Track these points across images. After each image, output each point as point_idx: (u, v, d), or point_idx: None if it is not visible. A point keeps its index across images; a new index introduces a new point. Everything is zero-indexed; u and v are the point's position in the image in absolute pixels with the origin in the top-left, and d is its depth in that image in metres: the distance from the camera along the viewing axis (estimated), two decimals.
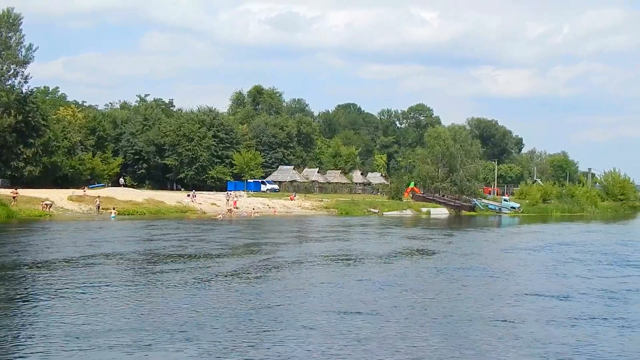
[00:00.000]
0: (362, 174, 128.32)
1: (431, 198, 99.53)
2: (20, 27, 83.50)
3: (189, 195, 76.66)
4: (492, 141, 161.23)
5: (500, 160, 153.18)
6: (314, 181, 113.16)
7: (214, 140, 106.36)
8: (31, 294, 22.02)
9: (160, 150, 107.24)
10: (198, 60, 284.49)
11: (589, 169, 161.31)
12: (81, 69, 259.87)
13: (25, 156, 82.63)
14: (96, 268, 28.23)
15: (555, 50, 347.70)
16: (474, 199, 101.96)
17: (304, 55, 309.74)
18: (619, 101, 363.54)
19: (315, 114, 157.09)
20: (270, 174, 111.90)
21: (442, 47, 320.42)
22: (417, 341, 17.12)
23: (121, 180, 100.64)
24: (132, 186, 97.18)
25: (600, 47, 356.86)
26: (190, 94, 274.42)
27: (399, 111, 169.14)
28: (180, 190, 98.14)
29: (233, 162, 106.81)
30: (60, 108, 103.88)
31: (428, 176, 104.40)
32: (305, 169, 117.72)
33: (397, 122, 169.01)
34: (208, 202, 76.02)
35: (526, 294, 24.61)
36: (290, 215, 74.36)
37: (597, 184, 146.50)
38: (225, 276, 26.73)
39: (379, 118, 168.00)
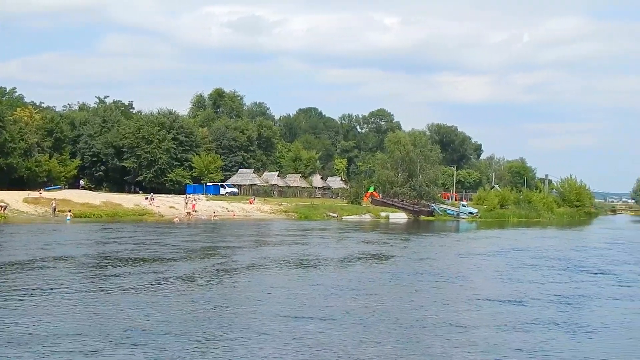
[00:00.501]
0: (322, 178, 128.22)
1: (390, 203, 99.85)
2: None
3: (147, 198, 75.78)
4: (452, 147, 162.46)
5: (459, 165, 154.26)
6: (273, 185, 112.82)
7: (174, 143, 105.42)
8: None
9: (119, 152, 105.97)
10: (159, 63, 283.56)
11: (546, 175, 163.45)
12: (40, 70, 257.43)
13: None
14: (45, 272, 27.60)
15: (515, 57, 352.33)
16: (432, 204, 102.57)
17: (265, 59, 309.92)
18: (576, 109, 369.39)
19: (276, 117, 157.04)
20: (230, 178, 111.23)
21: (403, 52, 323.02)
22: (370, 347, 16.95)
23: (81, 182, 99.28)
24: (90, 188, 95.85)
25: (559, 55, 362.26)
26: (151, 96, 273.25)
27: (360, 116, 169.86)
28: (138, 193, 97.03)
29: (192, 165, 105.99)
30: (17, 109, 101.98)
31: (387, 181, 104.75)
32: (265, 173, 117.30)
33: (357, 127, 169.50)
34: (166, 205, 75.20)
35: (480, 299, 24.64)
36: (249, 219, 73.97)
37: (554, 190, 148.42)
38: (177, 280, 26.34)
39: (339, 122, 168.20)
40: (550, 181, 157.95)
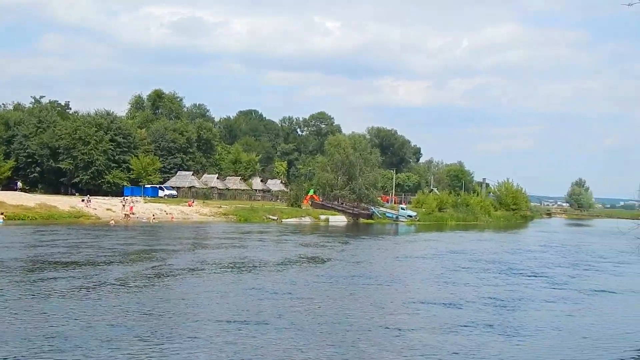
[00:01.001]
0: (262, 180, 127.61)
1: (330, 206, 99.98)
2: None
3: (83, 200, 74.34)
4: (391, 150, 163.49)
5: (399, 169, 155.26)
6: (213, 187, 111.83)
7: (111, 145, 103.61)
8: None
9: (55, 153, 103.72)
10: (97, 63, 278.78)
11: (484, 179, 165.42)
12: None
13: None
14: None
15: (454, 62, 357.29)
16: (372, 207, 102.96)
17: (206, 60, 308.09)
18: (513, 114, 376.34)
19: (216, 119, 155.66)
20: (168, 180, 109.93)
21: (344, 56, 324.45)
22: (305, 351, 16.76)
23: (19, 184, 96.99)
24: (25, 190, 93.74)
25: (496, 61, 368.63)
26: (88, 97, 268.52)
27: (300, 119, 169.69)
28: (74, 195, 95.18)
29: (130, 167, 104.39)
30: None
31: (327, 184, 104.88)
32: (204, 175, 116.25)
33: (298, 130, 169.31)
34: (103, 207, 73.87)
35: (416, 302, 24.67)
36: (188, 222, 73.19)
37: (491, 193, 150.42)
38: (109, 285, 25.72)
39: (280, 125, 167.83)
40: (487, 185, 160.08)
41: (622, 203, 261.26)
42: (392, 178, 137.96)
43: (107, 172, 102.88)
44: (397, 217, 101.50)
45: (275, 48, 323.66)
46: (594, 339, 19.68)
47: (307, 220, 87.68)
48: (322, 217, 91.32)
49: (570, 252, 54.60)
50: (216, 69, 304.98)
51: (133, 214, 72.02)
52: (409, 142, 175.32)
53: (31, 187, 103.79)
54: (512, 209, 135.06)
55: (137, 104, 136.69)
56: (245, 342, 17.35)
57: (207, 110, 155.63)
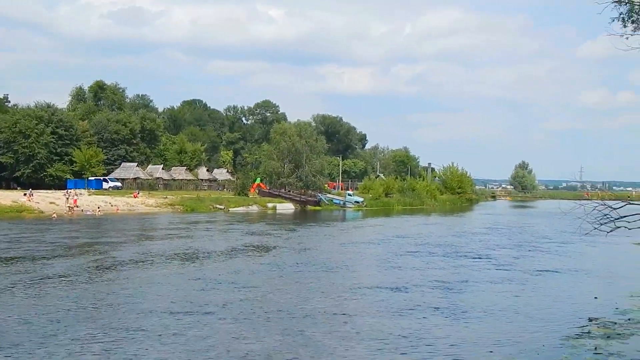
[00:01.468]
0: (208, 170, 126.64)
1: (277, 194, 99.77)
2: None
3: (25, 194, 72.92)
4: (337, 137, 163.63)
5: (345, 155, 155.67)
6: (158, 178, 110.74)
7: (53, 137, 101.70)
8: None
9: None
10: (36, 55, 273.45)
11: (429, 163, 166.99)
12: None
13: None
14: None
15: (398, 49, 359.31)
16: (319, 194, 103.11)
17: (148, 50, 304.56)
18: (457, 100, 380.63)
19: (160, 110, 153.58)
20: (112, 172, 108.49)
21: (288, 44, 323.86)
22: (251, 340, 16.56)
23: None
24: None
25: (439, 47, 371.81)
26: (28, 90, 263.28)
27: (245, 107, 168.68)
28: (16, 189, 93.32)
29: (73, 159, 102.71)
30: None
31: (274, 172, 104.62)
32: (149, 166, 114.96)
33: (243, 119, 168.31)
34: (46, 200, 72.58)
35: (363, 287, 24.70)
36: (133, 213, 72.26)
37: (437, 178, 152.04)
38: (51, 279, 25.11)
39: (225, 114, 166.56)
40: (433, 169, 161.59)
41: (564, 184, 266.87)
42: (339, 165, 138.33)
43: (49, 166, 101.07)
44: (344, 204, 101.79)
45: (219, 37, 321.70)
46: (539, 318, 19.95)
47: (254, 208, 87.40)
48: (270, 205, 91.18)
49: (515, 233, 55.41)
50: (159, 59, 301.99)
51: (77, 206, 70.80)
52: (355, 129, 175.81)
53: None
54: (458, 192, 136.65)
55: (79, 95, 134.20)
56: (190, 333, 17.08)
57: (151, 101, 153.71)
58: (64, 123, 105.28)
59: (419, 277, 27.81)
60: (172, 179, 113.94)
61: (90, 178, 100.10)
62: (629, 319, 19.41)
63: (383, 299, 22.43)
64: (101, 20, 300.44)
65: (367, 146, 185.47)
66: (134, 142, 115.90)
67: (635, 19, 16.61)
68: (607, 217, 14.52)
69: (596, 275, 30.05)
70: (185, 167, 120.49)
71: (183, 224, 56.84)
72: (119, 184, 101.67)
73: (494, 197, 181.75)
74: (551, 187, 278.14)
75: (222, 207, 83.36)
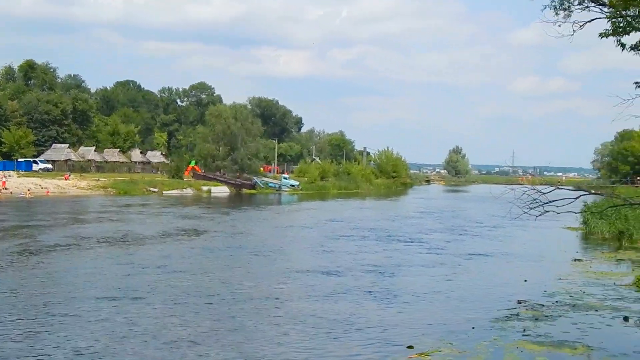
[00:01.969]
0: (141, 152, 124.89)
1: (212, 177, 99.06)
2: None
3: None
4: (273, 120, 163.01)
5: (281, 139, 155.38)
6: (90, 160, 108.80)
7: None
8: None
9: None
10: None
11: (365, 147, 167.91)
12: None
13: None
14: None
15: (334, 33, 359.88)
16: (254, 178, 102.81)
17: (79, 29, 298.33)
18: (392, 84, 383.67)
19: (93, 90, 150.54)
20: (43, 153, 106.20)
21: (223, 26, 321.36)
22: (178, 325, 16.29)
23: None
24: None
25: (375, 31, 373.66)
26: None
27: (180, 89, 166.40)
28: None
29: (2, 140, 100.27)
30: None
31: (209, 155, 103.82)
32: (81, 148, 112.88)
33: (178, 100, 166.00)
34: None
35: (296, 271, 24.59)
36: (64, 196, 70.78)
37: (372, 162, 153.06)
38: None
39: (159, 96, 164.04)
40: (368, 153, 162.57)
41: (496, 169, 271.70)
42: (275, 148, 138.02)
43: None
44: (279, 187, 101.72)
45: (152, 17, 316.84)
46: (470, 301, 20.21)
47: (189, 191, 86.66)
48: (205, 188, 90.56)
49: (447, 217, 56.11)
50: (91, 38, 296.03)
51: (6, 189, 69.12)
52: (291, 112, 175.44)
53: None
54: (393, 176, 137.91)
55: (8, 75, 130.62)
56: (119, 318, 16.71)
57: (83, 81, 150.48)
58: None
59: (352, 261, 27.88)
60: (105, 161, 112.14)
61: (19, 159, 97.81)
62: (557, 301, 19.82)
63: (316, 283, 22.38)
64: None
65: (303, 129, 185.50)
66: (66, 123, 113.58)
67: (566, 6, 16.81)
68: (537, 202, 14.72)
69: (526, 258, 30.61)
70: (119, 149, 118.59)
71: (115, 207, 55.96)
72: (49, 165, 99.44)
73: (428, 182, 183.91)
74: (484, 172, 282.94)
75: (155, 190, 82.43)
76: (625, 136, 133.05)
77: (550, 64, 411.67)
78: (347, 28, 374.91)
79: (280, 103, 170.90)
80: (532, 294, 20.97)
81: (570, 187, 16.07)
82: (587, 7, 16.44)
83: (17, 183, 73.61)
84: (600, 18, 16.61)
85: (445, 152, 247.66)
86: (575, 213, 19.50)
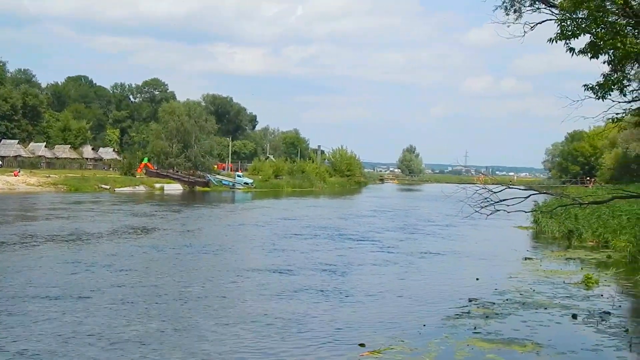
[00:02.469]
0: (93, 149, 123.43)
1: (165, 174, 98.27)
2: None
3: None
4: (227, 118, 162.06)
5: (235, 136, 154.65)
6: (41, 156, 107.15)
7: None
8: None
9: None
10: None
11: (319, 146, 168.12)
12: None
13: None
14: None
15: (289, 30, 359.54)
16: (208, 175, 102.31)
17: (30, 23, 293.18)
18: (347, 82, 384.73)
19: (43, 85, 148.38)
20: None
21: (178, 21, 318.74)
22: (126, 325, 15.93)
23: None
24: None
25: (330, 29, 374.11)
26: None
27: (133, 85, 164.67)
28: None
29: None
30: None
31: (162, 152, 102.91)
32: (31, 144, 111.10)
33: (131, 97, 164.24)
34: None
35: (247, 270, 24.32)
36: (13, 193, 69.44)
37: (326, 160, 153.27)
38: None
39: (111, 92, 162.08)
40: (322, 152, 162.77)
41: (450, 169, 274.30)
42: (228, 146, 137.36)
43: None
44: (233, 185, 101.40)
45: (105, 11, 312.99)
46: (422, 299, 20.26)
47: (141, 189, 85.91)
48: (157, 185, 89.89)
49: (400, 216, 56.37)
50: (42, 32, 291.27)
51: None
52: (245, 110, 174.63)
53: None
54: (347, 175, 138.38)
55: None
56: (63, 319, 16.31)
57: (33, 76, 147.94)
58: None
59: (304, 259, 27.78)
60: (56, 158, 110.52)
61: None
62: (507, 299, 20.00)
63: (267, 282, 22.18)
64: None
65: (258, 127, 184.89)
66: (15, 118, 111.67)
67: (517, 8, 16.95)
68: (488, 201, 14.85)
69: (477, 257, 30.87)
70: (70, 146, 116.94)
71: (65, 204, 55.06)
72: None
73: (382, 180, 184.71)
74: (437, 171, 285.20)
75: (107, 187, 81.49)
76: (575, 137, 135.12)
77: (503, 64, 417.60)
78: (302, 26, 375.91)
79: (235, 100, 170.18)
80: (483, 292, 21.13)
81: (522, 187, 16.24)
82: (538, 8, 16.62)
83: None
84: (550, 20, 16.80)
85: (400, 151, 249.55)
86: (526, 212, 19.77)
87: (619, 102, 16.20)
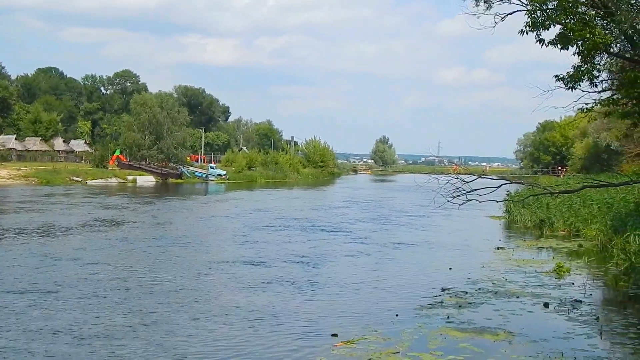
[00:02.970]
0: (64, 141, 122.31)
1: (137, 166, 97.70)
2: None
3: None
4: (200, 109, 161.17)
5: (208, 128, 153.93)
6: (11, 149, 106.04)
7: None
8: None
9: None
10: None
11: (292, 137, 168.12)
12: None
13: None
14: None
15: (261, 21, 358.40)
16: (181, 167, 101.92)
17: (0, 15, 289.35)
18: (320, 73, 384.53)
19: (13, 77, 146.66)
20: None
21: (148, 12, 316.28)
22: (94, 320, 15.67)
23: None
24: None
25: (302, 20, 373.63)
26: None
27: (104, 77, 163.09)
28: None
29: None
30: None
31: (134, 144, 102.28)
32: (1, 136, 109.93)
33: (102, 88, 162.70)
34: None
35: (218, 263, 24.15)
36: None
37: (300, 151, 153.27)
38: None
39: (82, 83, 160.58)
40: (296, 143, 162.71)
41: (422, 159, 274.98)
42: (201, 137, 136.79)
43: None
44: (206, 176, 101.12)
45: (74, 2, 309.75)
46: (395, 289, 20.26)
47: (113, 181, 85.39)
48: (130, 177, 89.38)
49: (373, 207, 56.43)
50: (11, 23, 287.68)
51: None
52: (218, 101, 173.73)
53: None
54: (320, 166, 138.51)
55: None
56: (29, 313, 16.04)
57: (3, 68, 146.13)
58: None
59: (277, 251, 27.66)
60: (26, 150, 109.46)
61: None
62: (480, 289, 20.07)
63: (239, 275, 22.00)
64: None
65: (230, 119, 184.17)
66: None
67: None
68: (460, 190, 14.91)
69: (450, 247, 30.93)
70: (41, 138, 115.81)
71: (35, 197, 54.44)
72: None
73: (355, 171, 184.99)
74: (410, 162, 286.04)
75: (79, 179, 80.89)
76: (546, 127, 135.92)
77: (475, 55, 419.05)
78: (274, 16, 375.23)
79: (208, 92, 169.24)
80: (456, 282, 21.17)
81: (494, 177, 16.31)
82: None
83: None
84: (521, 10, 16.84)
85: (373, 142, 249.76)
86: (498, 202, 19.91)
87: (589, 92, 16.32)
